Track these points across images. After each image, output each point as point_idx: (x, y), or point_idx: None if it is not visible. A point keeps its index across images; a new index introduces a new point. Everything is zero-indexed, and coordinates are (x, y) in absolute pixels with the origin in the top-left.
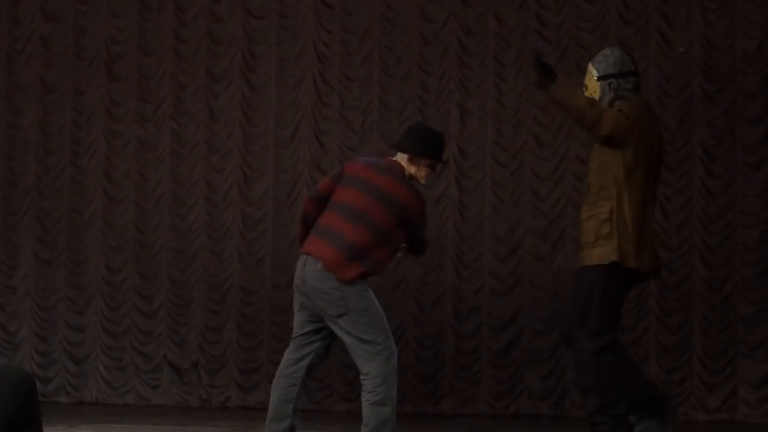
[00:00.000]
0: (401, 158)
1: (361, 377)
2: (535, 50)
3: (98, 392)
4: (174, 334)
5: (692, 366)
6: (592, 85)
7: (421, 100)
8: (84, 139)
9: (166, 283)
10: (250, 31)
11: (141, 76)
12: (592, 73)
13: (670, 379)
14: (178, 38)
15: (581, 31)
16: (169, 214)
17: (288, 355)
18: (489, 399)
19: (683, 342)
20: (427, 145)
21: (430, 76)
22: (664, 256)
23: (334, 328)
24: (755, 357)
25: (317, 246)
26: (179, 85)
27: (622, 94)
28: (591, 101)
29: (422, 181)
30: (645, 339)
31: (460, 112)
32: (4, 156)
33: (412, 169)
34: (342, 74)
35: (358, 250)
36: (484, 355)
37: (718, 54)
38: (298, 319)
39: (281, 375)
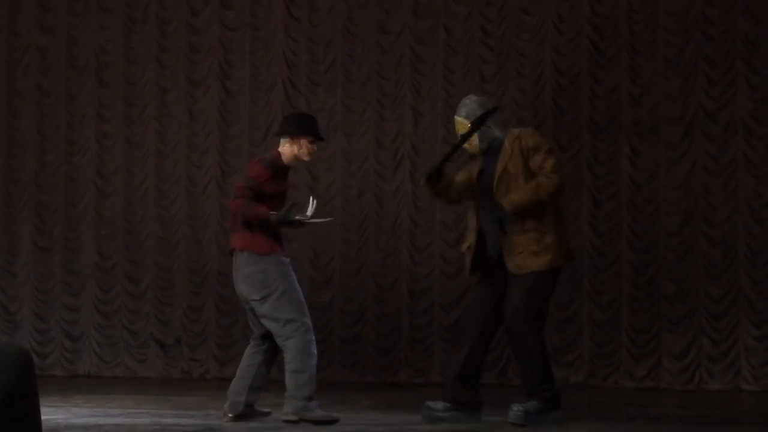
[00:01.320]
0: (283, 143)
1: (283, 348)
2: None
3: (91, 366)
4: (159, 313)
5: (621, 340)
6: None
7: (379, 102)
8: (77, 139)
9: (152, 268)
10: (226, 41)
11: (128, 83)
12: (464, 123)
13: (601, 352)
14: (160, 48)
15: (521, 41)
16: (154, 205)
17: (252, 341)
18: (440, 369)
19: (613, 318)
20: (301, 124)
21: (386, 81)
22: (595, 241)
23: (258, 312)
24: (677, 331)
25: (232, 242)
26: (162, 90)
27: (492, 125)
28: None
29: (305, 158)
30: (579, 316)
31: (413, 113)
32: (4, 155)
33: (295, 149)
34: (309, 80)
35: (246, 222)
36: (435, 331)
37: (643, 61)
38: (248, 314)
39: (245, 356)
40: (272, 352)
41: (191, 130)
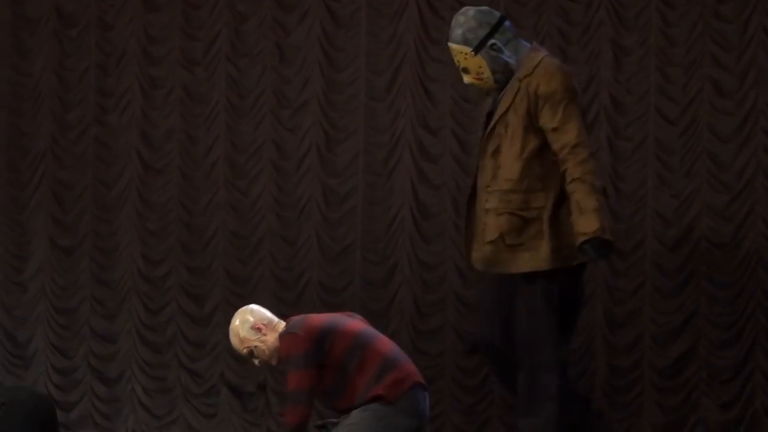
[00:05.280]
0: None
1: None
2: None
3: (135, 422)
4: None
5: None
6: (474, 64)
7: (561, 34)
8: (113, 89)
9: (223, 279)
10: None
11: (187, 5)
12: (464, 51)
13: None
14: None
15: None
16: (225, 187)
17: None
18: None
19: None
20: None
21: (573, 3)
22: None
23: None
24: None
25: None
26: (238, 17)
27: (510, 47)
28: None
29: None
30: None
31: (613, 50)
32: (9, 112)
33: None
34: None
35: None
36: (646, 375)
37: None
38: None
39: None
40: None
41: (281, 75)
